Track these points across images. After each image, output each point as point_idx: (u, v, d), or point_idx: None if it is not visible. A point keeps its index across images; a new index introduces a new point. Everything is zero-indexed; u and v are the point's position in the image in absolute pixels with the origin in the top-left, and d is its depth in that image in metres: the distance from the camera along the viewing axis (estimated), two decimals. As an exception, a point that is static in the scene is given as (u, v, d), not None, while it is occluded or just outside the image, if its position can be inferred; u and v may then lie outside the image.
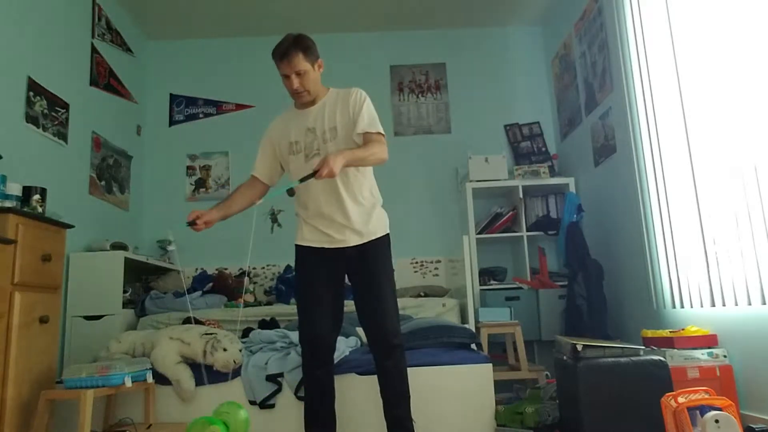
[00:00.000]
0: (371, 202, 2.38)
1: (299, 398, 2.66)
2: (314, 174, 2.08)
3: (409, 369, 2.62)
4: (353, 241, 2.31)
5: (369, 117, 2.31)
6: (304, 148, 2.34)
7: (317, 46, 2.34)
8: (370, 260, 2.32)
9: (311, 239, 2.36)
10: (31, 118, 3.18)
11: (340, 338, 2.95)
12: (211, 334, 2.72)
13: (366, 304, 2.31)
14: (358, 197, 2.33)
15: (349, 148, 2.21)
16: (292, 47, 2.23)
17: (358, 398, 2.62)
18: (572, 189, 4.22)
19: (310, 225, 2.37)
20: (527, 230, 4.21)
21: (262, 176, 2.48)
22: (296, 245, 2.40)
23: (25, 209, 2.50)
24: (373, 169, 2.43)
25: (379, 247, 2.35)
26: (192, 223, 2.28)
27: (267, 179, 2.48)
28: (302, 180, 2.15)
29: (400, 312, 2.55)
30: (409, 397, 2.30)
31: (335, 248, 2.32)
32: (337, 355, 2.70)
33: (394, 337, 2.28)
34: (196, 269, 4.49)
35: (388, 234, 2.40)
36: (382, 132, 2.32)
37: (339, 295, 2.36)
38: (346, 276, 2.40)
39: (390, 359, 2.28)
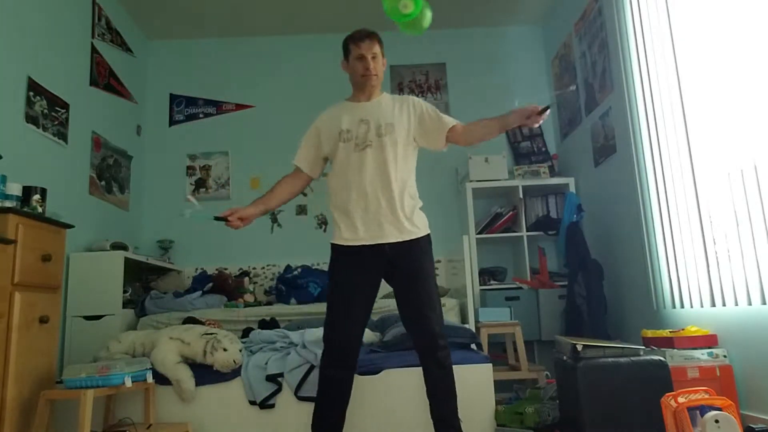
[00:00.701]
0: (417, 200, 2.39)
1: (299, 398, 2.66)
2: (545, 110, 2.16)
3: (408, 369, 2.63)
4: (394, 236, 2.28)
5: (443, 114, 2.42)
6: (356, 137, 2.34)
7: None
8: (415, 259, 2.28)
9: (349, 238, 2.31)
10: (31, 118, 3.18)
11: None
12: (211, 334, 2.72)
13: (411, 306, 2.28)
14: (408, 190, 2.34)
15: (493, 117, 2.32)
16: (374, 34, 2.39)
17: (358, 398, 2.61)
18: (572, 189, 4.22)
19: (349, 221, 2.31)
20: (527, 230, 4.21)
21: (305, 168, 2.47)
22: (333, 244, 2.35)
23: (25, 209, 2.49)
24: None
25: (422, 246, 2.32)
26: (223, 219, 2.27)
27: (307, 169, 2.48)
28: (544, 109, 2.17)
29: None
30: (456, 395, 2.27)
31: (375, 245, 2.27)
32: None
33: (441, 338, 2.26)
34: (196, 269, 4.49)
35: (429, 234, 2.38)
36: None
37: (371, 298, 2.31)
38: (382, 276, 2.35)
39: (437, 361, 2.25)
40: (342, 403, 2.29)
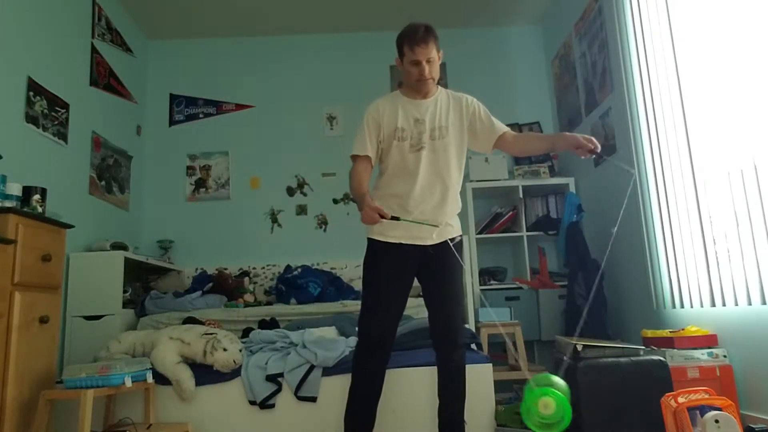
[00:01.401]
0: (460, 201, 2.41)
1: (299, 398, 2.66)
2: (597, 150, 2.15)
3: (408, 369, 2.63)
4: (437, 238, 2.29)
5: (494, 119, 2.43)
6: (410, 137, 2.31)
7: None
8: (450, 258, 2.29)
9: (391, 235, 2.29)
10: (31, 118, 3.18)
11: (340, 338, 2.96)
12: (211, 334, 2.72)
13: (439, 304, 2.30)
14: (457, 193, 2.36)
15: (550, 135, 2.31)
16: (429, 33, 2.26)
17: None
18: (572, 189, 4.22)
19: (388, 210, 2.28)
20: (527, 230, 4.21)
21: (372, 155, 2.34)
22: (371, 239, 2.33)
23: (25, 209, 2.50)
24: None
25: (458, 246, 2.34)
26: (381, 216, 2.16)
27: (375, 158, 2.38)
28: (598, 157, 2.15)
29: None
30: (465, 398, 2.29)
31: (416, 245, 2.28)
32: (337, 356, 2.71)
33: (461, 336, 2.29)
34: (196, 269, 4.49)
35: (462, 235, 2.41)
36: None
37: (407, 293, 2.33)
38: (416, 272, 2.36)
39: (454, 359, 2.27)
40: (377, 396, 2.31)
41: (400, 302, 2.30)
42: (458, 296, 2.32)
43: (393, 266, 2.29)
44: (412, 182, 2.29)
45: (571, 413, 1.72)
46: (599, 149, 2.17)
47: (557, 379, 1.85)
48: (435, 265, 2.30)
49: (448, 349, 2.28)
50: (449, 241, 2.28)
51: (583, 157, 2.22)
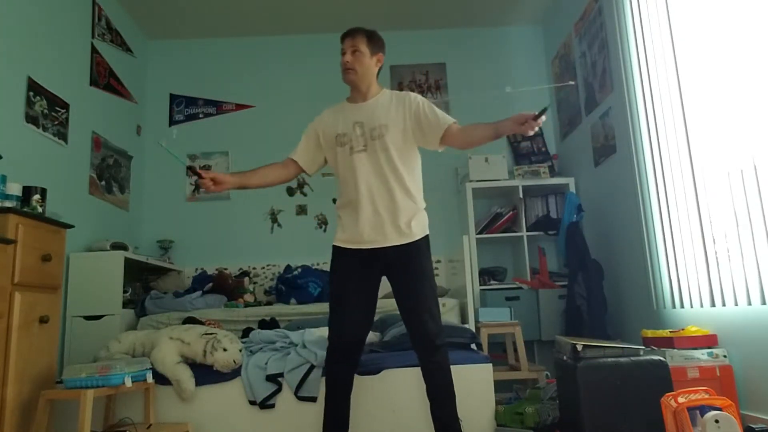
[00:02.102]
0: (418, 202, 2.37)
1: (299, 398, 2.66)
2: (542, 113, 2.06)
3: (408, 369, 2.63)
4: (393, 240, 2.28)
5: (440, 113, 2.36)
6: (350, 141, 2.34)
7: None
8: (411, 261, 2.29)
9: (347, 240, 2.33)
10: (31, 118, 3.18)
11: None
12: (211, 334, 2.72)
13: (408, 305, 2.29)
14: (409, 192, 2.33)
15: (487, 124, 2.24)
16: (360, 29, 2.37)
17: (359, 398, 2.61)
18: (572, 189, 4.23)
19: (349, 224, 2.33)
20: (527, 230, 4.22)
21: (299, 160, 2.45)
22: (333, 245, 2.38)
23: (25, 209, 2.49)
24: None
25: (420, 247, 2.32)
26: (197, 175, 2.23)
27: (303, 164, 2.46)
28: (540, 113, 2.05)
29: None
30: (455, 396, 2.28)
31: (372, 249, 2.29)
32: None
33: (437, 337, 2.26)
34: (196, 269, 4.50)
35: (427, 235, 2.37)
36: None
37: (371, 298, 2.33)
38: (381, 276, 2.37)
39: (434, 360, 2.26)
40: (344, 399, 2.32)
41: (360, 309, 2.30)
42: (425, 298, 2.26)
43: (347, 271, 2.31)
44: (357, 186, 2.30)
45: None
46: (538, 112, 2.07)
47: None
48: (397, 269, 2.30)
49: (425, 351, 2.27)
50: (411, 244, 2.28)
51: (531, 132, 2.10)
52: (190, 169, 2.25)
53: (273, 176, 2.45)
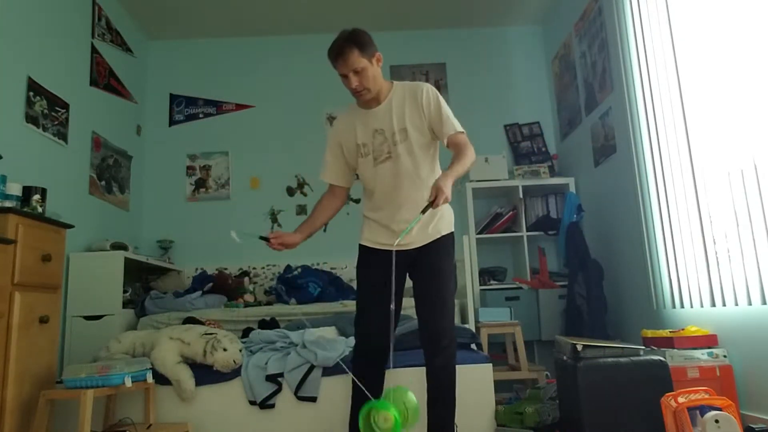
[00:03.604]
0: None
1: (299, 398, 2.66)
2: (431, 205, 2.01)
3: (411, 369, 2.62)
4: (420, 241, 2.27)
5: (449, 117, 2.26)
6: (373, 151, 2.28)
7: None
8: (434, 258, 2.27)
9: (372, 239, 2.32)
10: (31, 118, 3.18)
11: (340, 338, 2.96)
12: (211, 334, 2.72)
13: (424, 302, 2.27)
14: (427, 192, 2.26)
15: (451, 167, 2.11)
16: (347, 44, 2.15)
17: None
18: (572, 189, 4.23)
19: (374, 222, 2.32)
20: (527, 230, 4.22)
21: (337, 181, 2.42)
22: (359, 244, 2.37)
23: (25, 209, 2.49)
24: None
25: (443, 245, 2.30)
26: (266, 240, 2.29)
27: (344, 182, 2.42)
28: (423, 211, 2.05)
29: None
30: (454, 402, 2.25)
31: (400, 250, 2.23)
32: (337, 356, 2.71)
33: (445, 338, 2.24)
34: (196, 269, 4.49)
35: (452, 232, 2.36)
36: (463, 129, 2.27)
37: (397, 294, 2.27)
38: (406, 274, 2.35)
39: (438, 359, 2.24)
40: (371, 397, 2.30)
41: (385, 305, 2.24)
42: (440, 299, 2.25)
43: (374, 270, 2.28)
44: (384, 193, 2.28)
45: None
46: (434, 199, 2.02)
47: (411, 398, 2.05)
48: (419, 268, 2.29)
49: (431, 350, 2.26)
50: (435, 240, 2.27)
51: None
52: (262, 239, 2.29)
53: (329, 211, 2.44)
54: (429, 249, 2.28)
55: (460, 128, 2.26)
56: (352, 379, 2.31)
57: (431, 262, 2.27)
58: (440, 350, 2.25)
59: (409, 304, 2.55)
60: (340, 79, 2.24)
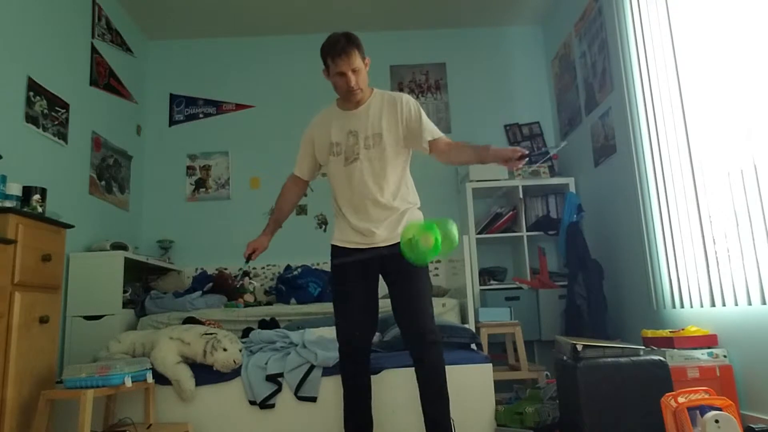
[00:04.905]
0: (411, 200, 2.38)
1: (299, 398, 2.67)
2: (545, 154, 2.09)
3: (409, 369, 2.61)
4: (387, 241, 2.29)
5: (430, 124, 2.35)
6: (345, 151, 2.32)
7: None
8: (403, 261, 2.25)
9: (343, 239, 2.36)
10: (31, 118, 3.18)
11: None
12: (211, 334, 2.72)
13: (400, 302, 2.29)
14: (401, 195, 2.34)
15: (470, 145, 2.27)
16: (350, 44, 2.21)
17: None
18: (572, 189, 4.22)
19: (344, 223, 2.36)
20: (527, 230, 4.21)
21: (306, 176, 2.54)
22: (331, 244, 2.40)
23: (25, 209, 2.49)
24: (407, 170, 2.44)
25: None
26: (247, 260, 2.45)
27: (309, 177, 2.55)
28: (543, 161, 2.11)
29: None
30: (447, 396, 2.26)
31: (367, 248, 2.30)
32: (337, 356, 2.70)
33: (430, 333, 2.25)
34: (196, 269, 4.49)
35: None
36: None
37: (367, 297, 2.33)
38: (379, 275, 2.38)
39: (425, 357, 2.25)
40: (361, 398, 2.33)
41: (362, 306, 2.30)
42: (416, 296, 2.27)
43: (348, 271, 2.32)
44: (351, 193, 2.32)
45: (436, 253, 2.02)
46: (527, 152, 2.11)
47: (452, 229, 2.09)
48: (391, 267, 2.30)
49: (416, 348, 2.27)
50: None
51: (512, 169, 2.19)
52: (246, 263, 2.49)
53: (294, 199, 2.60)
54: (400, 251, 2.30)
55: (441, 133, 2.35)
56: (342, 380, 2.35)
57: (403, 264, 2.25)
58: (427, 347, 2.25)
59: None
60: (334, 77, 2.29)
